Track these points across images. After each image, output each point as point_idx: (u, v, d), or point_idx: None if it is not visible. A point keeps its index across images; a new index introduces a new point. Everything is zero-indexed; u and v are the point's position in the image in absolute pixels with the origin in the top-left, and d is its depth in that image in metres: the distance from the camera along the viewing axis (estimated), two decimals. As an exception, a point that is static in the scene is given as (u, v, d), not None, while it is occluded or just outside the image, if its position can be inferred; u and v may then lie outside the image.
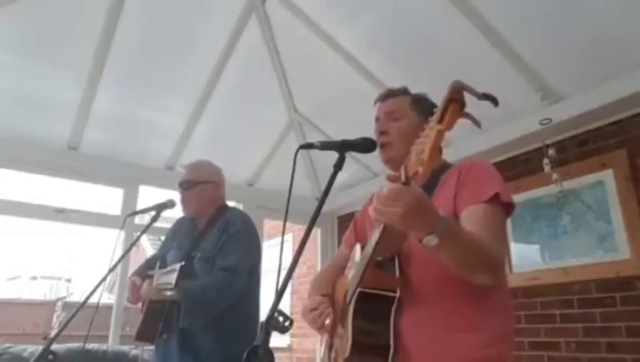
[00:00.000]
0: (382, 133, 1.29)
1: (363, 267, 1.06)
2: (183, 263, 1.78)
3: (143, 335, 1.96)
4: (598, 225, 2.43)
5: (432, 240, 0.88)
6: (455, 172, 1.18)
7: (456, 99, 0.73)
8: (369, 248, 1.03)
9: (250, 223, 2.08)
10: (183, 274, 1.76)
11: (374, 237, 1.00)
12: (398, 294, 1.10)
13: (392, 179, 0.89)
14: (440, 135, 0.74)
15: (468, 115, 0.74)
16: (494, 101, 0.76)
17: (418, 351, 1.07)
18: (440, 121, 0.74)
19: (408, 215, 0.85)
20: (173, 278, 1.74)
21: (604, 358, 2.28)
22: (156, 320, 1.92)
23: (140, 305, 2.02)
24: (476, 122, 0.74)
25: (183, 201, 2.09)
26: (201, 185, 2.07)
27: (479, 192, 1.10)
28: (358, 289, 1.09)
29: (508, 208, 1.12)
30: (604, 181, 2.44)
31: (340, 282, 1.34)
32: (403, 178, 0.84)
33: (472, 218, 1.07)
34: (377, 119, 1.35)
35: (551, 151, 2.64)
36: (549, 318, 2.55)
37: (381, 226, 0.96)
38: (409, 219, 0.86)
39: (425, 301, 1.10)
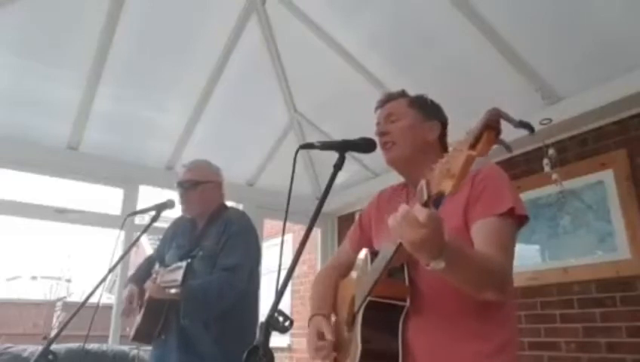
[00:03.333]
0: (382, 134, 1.29)
1: (375, 278, 1.05)
2: (189, 260, 1.77)
3: (142, 335, 1.95)
4: (598, 225, 2.43)
5: (438, 264, 0.87)
6: (467, 181, 1.15)
7: (492, 127, 0.70)
8: (382, 260, 1.02)
9: (249, 223, 2.08)
10: (188, 271, 1.75)
11: (389, 248, 0.98)
12: (407, 303, 1.10)
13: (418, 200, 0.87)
14: (471, 160, 0.71)
15: (501, 142, 0.72)
16: (530, 128, 0.73)
17: (425, 359, 1.07)
18: (473, 147, 0.71)
19: (421, 244, 0.84)
20: (179, 275, 1.71)
21: (604, 358, 2.28)
22: (156, 319, 1.91)
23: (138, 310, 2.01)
24: (508, 147, 0.72)
25: (186, 201, 2.07)
26: (203, 184, 2.07)
27: (493, 205, 1.09)
28: (368, 298, 1.09)
29: (521, 220, 1.12)
30: (604, 181, 2.44)
31: (344, 283, 1.34)
32: (425, 197, 0.81)
33: (483, 232, 1.07)
34: (378, 124, 1.35)
35: (551, 151, 2.64)
36: (549, 318, 2.55)
37: (398, 241, 0.94)
38: (419, 248, 0.85)
39: (432, 310, 1.10)
